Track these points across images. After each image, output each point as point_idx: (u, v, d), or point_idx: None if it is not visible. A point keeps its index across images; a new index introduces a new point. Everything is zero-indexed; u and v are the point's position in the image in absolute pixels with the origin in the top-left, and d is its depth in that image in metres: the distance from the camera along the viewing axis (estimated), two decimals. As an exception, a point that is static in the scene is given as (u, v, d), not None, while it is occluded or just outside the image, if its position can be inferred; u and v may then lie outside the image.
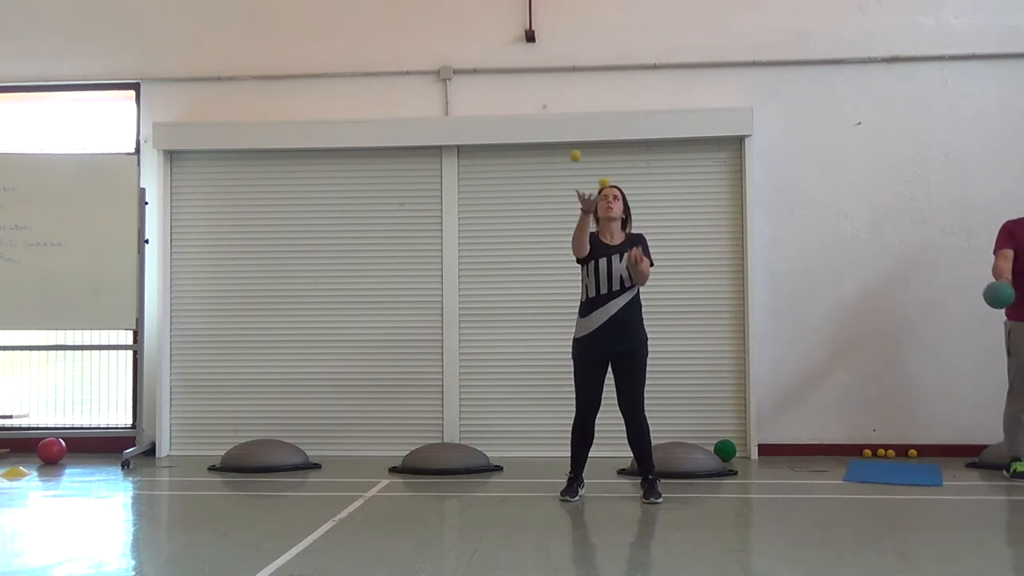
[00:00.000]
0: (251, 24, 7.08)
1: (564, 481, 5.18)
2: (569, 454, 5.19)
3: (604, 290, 5.02)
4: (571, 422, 5.17)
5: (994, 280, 5.47)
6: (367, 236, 6.94)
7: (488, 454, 6.28)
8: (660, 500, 4.98)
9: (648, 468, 5.11)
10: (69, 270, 6.54)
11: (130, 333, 6.92)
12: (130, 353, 7.02)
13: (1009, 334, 5.68)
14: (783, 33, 6.78)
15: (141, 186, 6.79)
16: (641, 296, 5.15)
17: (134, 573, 3.79)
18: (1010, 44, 6.63)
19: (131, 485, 5.81)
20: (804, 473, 5.92)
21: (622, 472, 5.90)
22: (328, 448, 6.69)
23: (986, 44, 6.65)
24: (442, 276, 6.83)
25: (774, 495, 5.41)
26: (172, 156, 7.01)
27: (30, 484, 5.84)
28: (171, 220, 6.98)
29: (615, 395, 5.11)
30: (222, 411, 6.90)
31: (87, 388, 7.18)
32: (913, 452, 6.48)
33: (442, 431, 6.75)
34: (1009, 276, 5.49)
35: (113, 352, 7.13)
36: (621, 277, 5.00)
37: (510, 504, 5.04)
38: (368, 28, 7.01)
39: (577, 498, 5.07)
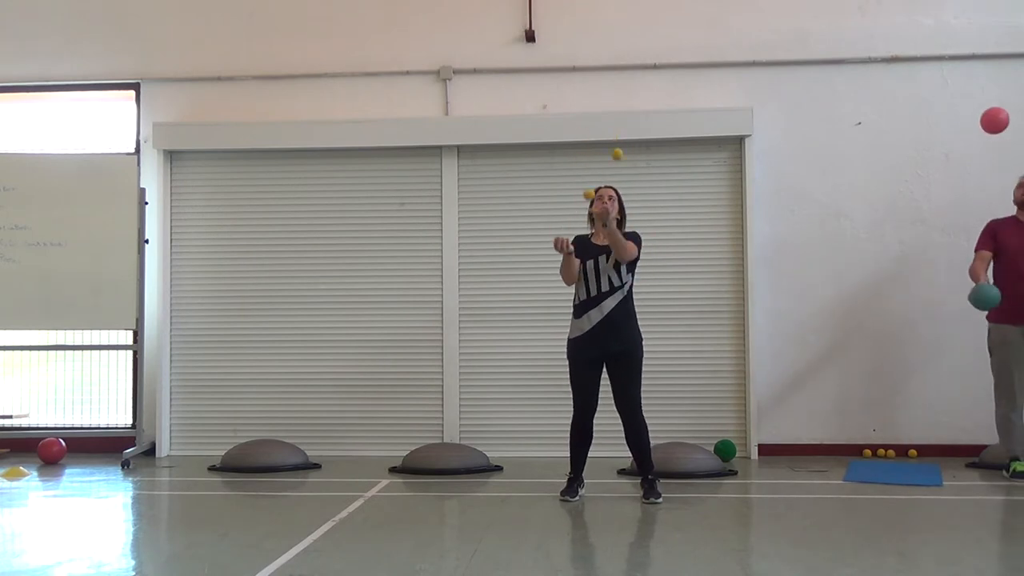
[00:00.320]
0: (251, 24, 7.09)
1: (564, 481, 5.18)
2: (568, 454, 5.19)
3: (594, 291, 5.02)
4: (571, 422, 5.17)
5: (973, 282, 5.55)
6: (367, 236, 6.94)
7: (488, 454, 6.28)
8: (660, 500, 4.98)
9: (647, 468, 5.12)
10: (69, 270, 6.54)
11: (130, 333, 6.92)
12: (130, 353, 7.02)
13: (989, 334, 5.75)
14: (783, 33, 6.78)
15: (141, 186, 6.79)
16: (639, 296, 5.15)
17: (134, 573, 3.79)
18: (1010, 44, 6.63)
19: (131, 485, 5.81)
20: (804, 473, 5.92)
21: (622, 472, 5.90)
22: (328, 448, 6.70)
23: (986, 44, 6.65)
24: (442, 276, 6.83)
25: (774, 495, 5.41)
26: (172, 156, 7.01)
27: (30, 484, 5.84)
28: (171, 220, 6.98)
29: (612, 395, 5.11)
30: (222, 411, 6.90)
31: (87, 388, 7.19)
32: (913, 452, 6.48)
33: (442, 431, 6.75)
34: (984, 278, 5.60)
35: (113, 352, 7.13)
36: (609, 277, 5.00)
37: (510, 504, 5.04)
38: (368, 28, 7.02)
39: (577, 498, 5.07)
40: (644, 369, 5.12)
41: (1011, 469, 5.59)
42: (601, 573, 3.76)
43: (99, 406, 7.17)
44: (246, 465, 6.16)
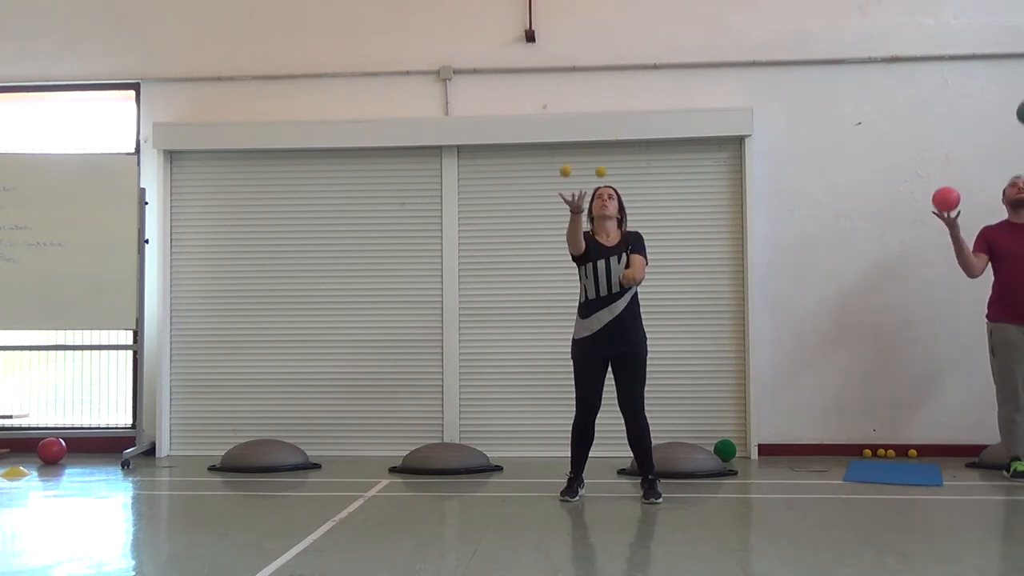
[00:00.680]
0: (251, 24, 7.09)
1: (564, 481, 5.18)
2: (569, 454, 5.20)
3: (604, 292, 5.01)
4: (571, 422, 5.17)
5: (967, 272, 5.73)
6: (367, 236, 6.94)
7: (488, 454, 6.28)
8: (660, 500, 4.98)
9: (648, 468, 5.12)
10: (69, 270, 6.54)
11: (130, 333, 6.92)
12: (130, 353, 7.02)
13: (990, 334, 5.73)
14: (783, 33, 6.78)
15: (141, 186, 6.79)
16: (640, 296, 5.15)
17: (134, 573, 3.79)
18: (1010, 44, 6.63)
19: (131, 485, 5.81)
20: (804, 473, 5.92)
21: (622, 472, 5.90)
22: (328, 448, 6.70)
23: (986, 44, 6.65)
24: (442, 276, 6.83)
25: (774, 495, 5.41)
26: (172, 156, 7.01)
27: (30, 484, 5.84)
28: (171, 220, 6.98)
29: (615, 395, 5.11)
30: (222, 411, 6.90)
31: (87, 388, 7.19)
32: (913, 452, 6.48)
33: (442, 431, 6.75)
34: (979, 270, 5.73)
35: (113, 352, 7.13)
36: (620, 278, 5.00)
37: (510, 504, 5.04)
38: (368, 28, 7.02)
39: (577, 498, 5.07)
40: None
41: (1011, 469, 5.58)
42: (601, 573, 3.76)
43: (99, 406, 7.16)
44: (246, 465, 6.16)
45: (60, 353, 7.20)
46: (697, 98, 6.80)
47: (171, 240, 6.98)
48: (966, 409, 6.43)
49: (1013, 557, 4.04)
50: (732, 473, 5.93)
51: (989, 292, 5.83)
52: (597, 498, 5.15)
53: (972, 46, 6.66)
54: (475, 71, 6.93)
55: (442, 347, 6.80)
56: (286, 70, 7.03)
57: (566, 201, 4.82)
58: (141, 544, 4.36)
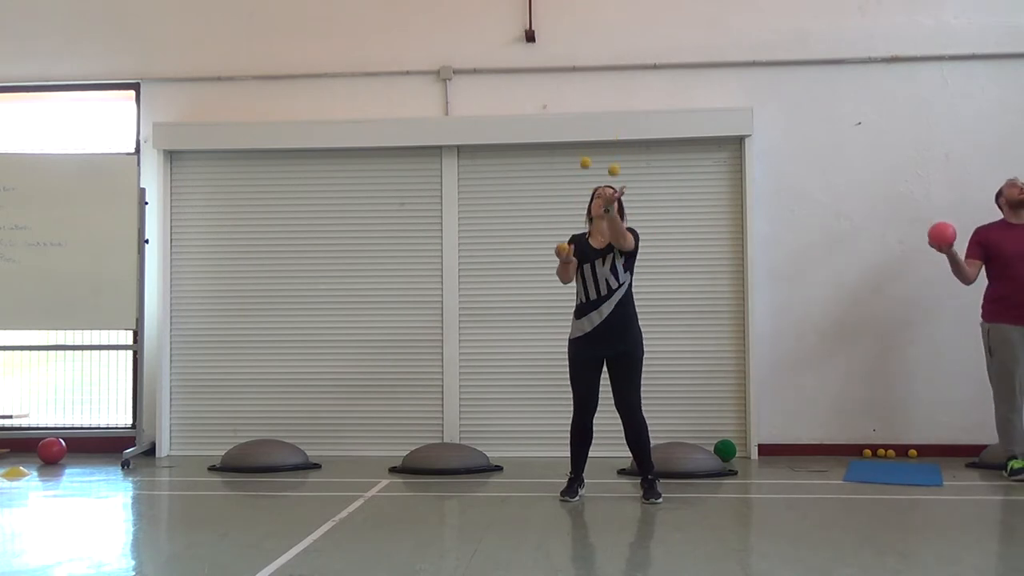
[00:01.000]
0: (251, 24, 7.09)
1: (564, 481, 5.18)
2: (569, 454, 5.19)
3: (594, 295, 5.03)
4: (571, 422, 5.17)
5: (963, 282, 5.71)
6: (367, 236, 6.94)
7: (488, 454, 6.28)
8: (660, 500, 4.98)
9: (647, 468, 5.11)
10: (69, 270, 6.54)
11: (130, 333, 6.92)
12: (130, 353, 7.02)
13: (988, 335, 5.73)
14: (783, 33, 6.78)
15: (141, 186, 6.79)
16: (639, 296, 5.15)
17: (134, 573, 3.80)
18: (1010, 44, 6.63)
19: (131, 485, 5.82)
20: (804, 473, 5.92)
21: (622, 472, 5.90)
22: (328, 448, 6.70)
23: (986, 44, 6.65)
24: (442, 276, 6.83)
25: (774, 495, 5.41)
26: (172, 156, 7.01)
27: (30, 484, 5.84)
28: (171, 220, 6.98)
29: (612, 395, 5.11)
30: (222, 411, 6.90)
31: (87, 388, 7.18)
32: (913, 452, 6.48)
33: (442, 431, 6.75)
34: (974, 277, 5.71)
35: (113, 352, 7.13)
36: (607, 280, 5.01)
37: (510, 504, 5.04)
38: (368, 28, 7.01)
39: (577, 498, 5.07)
40: (644, 369, 5.12)
41: (1009, 468, 5.59)
42: (601, 573, 3.76)
43: (99, 406, 7.16)
44: (246, 465, 6.16)
45: (60, 353, 7.20)
46: (697, 98, 6.80)
47: (171, 240, 6.98)
48: (966, 409, 6.43)
49: (1013, 557, 4.04)
50: (732, 473, 5.93)
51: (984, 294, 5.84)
52: (597, 498, 5.15)
53: (972, 46, 6.66)
54: (475, 71, 6.93)
55: (442, 347, 6.80)
56: (286, 70, 7.03)
57: (557, 253, 4.93)
58: (141, 544, 4.36)
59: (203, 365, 6.95)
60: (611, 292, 5.01)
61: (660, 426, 6.32)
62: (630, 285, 5.10)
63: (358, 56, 7.00)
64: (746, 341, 6.58)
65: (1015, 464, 5.56)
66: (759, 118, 6.64)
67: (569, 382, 5.14)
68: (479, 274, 6.84)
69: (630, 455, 5.32)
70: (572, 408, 5.14)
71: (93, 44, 7.13)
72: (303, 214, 6.98)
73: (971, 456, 6.22)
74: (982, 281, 5.82)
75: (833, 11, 6.76)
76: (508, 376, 6.76)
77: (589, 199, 5.20)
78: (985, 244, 5.74)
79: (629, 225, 5.18)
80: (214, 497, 5.54)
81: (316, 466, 6.29)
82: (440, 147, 6.86)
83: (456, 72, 6.93)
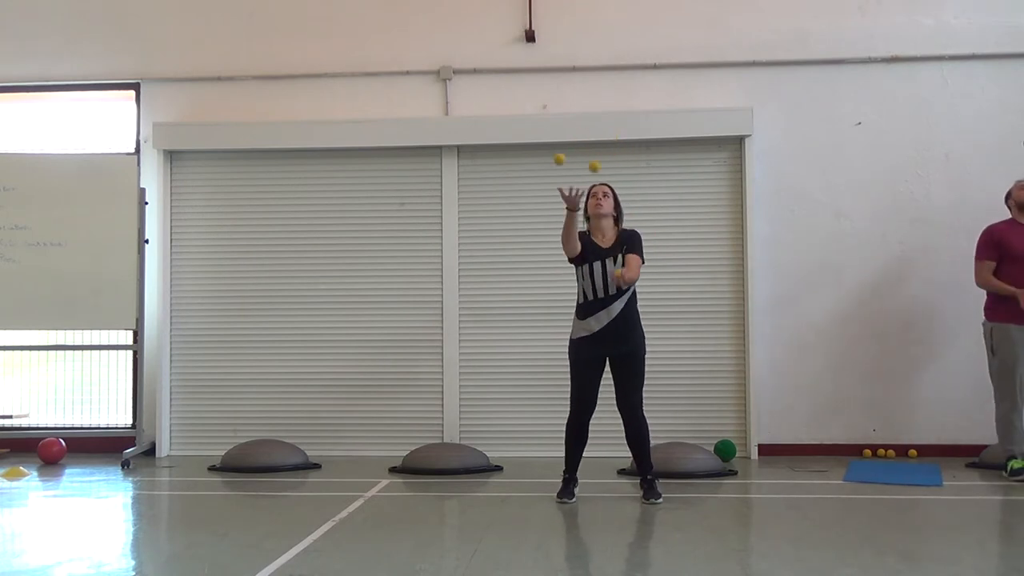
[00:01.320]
0: (251, 24, 7.09)
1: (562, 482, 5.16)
2: (564, 455, 5.16)
3: (601, 294, 5.00)
4: (567, 421, 5.13)
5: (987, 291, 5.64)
6: (367, 236, 6.94)
7: (488, 454, 6.28)
8: (660, 500, 4.98)
9: (647, 468, 5.11)
10: (69, 270, 6.54)
11: (130, 333, 6.92)
12: (130, 353, 7.02)
13: (991, 334, 5.73)
14: (783, 33, 6.78)
15: (141, 186, 6.79)
16: (639, 296, 5.15)
17: (134, 573, 3.80)
18: (1010, 44, 6.63)
19: (131, 485, 5.82)
20: (804, 473, 5.92)
21: (622, 472, 5.90)
22: (328, 448, 6.70)
23: (986, 44, 6.65)
24: (442, 276, 6.83)
25: (774, 495, 5.41)
26: (172, 156, 7.01)
27: (30, 484, 5.84)
28: (171, 220, 6.98)
29: (612, 395, 5.10)
30: (222, 411, 6.90)
31: (87, 388, 7.18)
32: (913, 452, 6.48)
33: (442, 431, 6.75)
34: (997, 285, 5.65)
35: (113, 352, 7.13)
36: (613, 281, 4.98)
37: (510, 504, 5.04)
38: (368, 28, 7.02)
39: (574, 500, 5.06)
40: (645, 369, 5.11)
41: (1009, 468, 5.59)
42: (601, 573, 3.76)
43: (99, 406, 7.16)
44: (246, 465, 6.16)
45: (60, 353, 7.20)
46: (697, 98, 6.80)
47: (171, 240, 6.98)
48: (966, 409, 6.42)
49: (1013, 557, 4.04)
50: (732, 473, 5.93)
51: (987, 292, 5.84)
52: (597, 498, 5.15)
53: (972, 46, 6.66)
54: (475, 71, 6.93)
55: (442, 347, 6.80)
56: (286, 70, 7.03)
57: (564, 196, 4.79)
58: (141, 544, 4.36)
59: (203, 365, 6.95)
60: (620, 292, 4.99)
61: (660, 426, 6.32)
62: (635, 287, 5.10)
63: (358, 56, 7.00)
64: (746, 341, 6.58)
65: (1015, 464, 5.56)
66: (759, 118, 6.64)
67: (569, 381, 5.13)
68: (479, 274, 6.84)
69: (630, 455, 5.31)
70: (569, 407, 5.13)
71: (93, 44, 7.13)
72: (303, 214, 6.98)
73: (971, 456, 6.22)
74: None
75: (833, 11, 6.76)
76: (508, 376, 6.76)
77: (584, 198, 5.18)
78: (999, 244, 5.72)
79: (630, 227, 5.18)
80: (214, 497, 5.54)
81: (316, 466, 6.29)
82: (440, 147, 6.86)
83: (456, 72, 6.93)
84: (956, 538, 4.22)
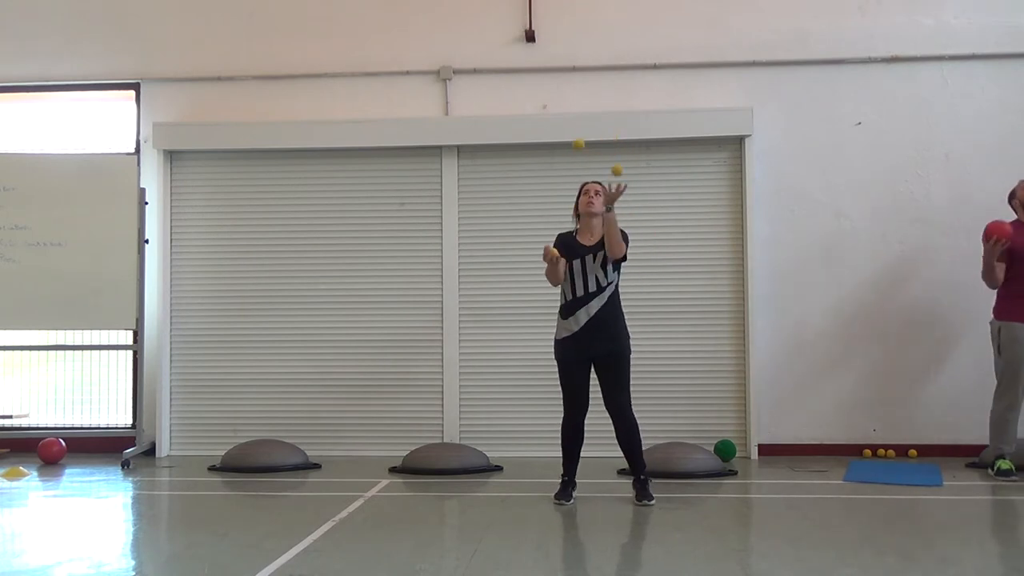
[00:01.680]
0: (251, 24, 7.09)
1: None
2: (561, 456, 5.14)
3: (581, 292, 4.98)
4: (561, 423, 5.12)
5: (989, 284, 5.58)
6: (367, 236, 6.94)
7: (488, 454, 6.28)
8: (652, 502, 4.93)
9: (639, 468, 5.05)
10: (69, 270, 6.54)
11: (130, 333, 6.92)
12: (130, 353, 7.02)
13: (999, 332, 5.73)
14: (783, 33, 6.78)
15: (141, 186, 6.79)
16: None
17: (134, 573, 3.80)
18: (1010, 44, 6.63)
19: (131, 485, 5.82)
20: (804, 473, 5.92)
21: (622, 472, 5.89)
22: (328, 448, 6.70)
23: (986, 44, 6.65)
24: (442, 276, 6.83)
25: (774, 495, 5.41)
26: (172, 156, 7.01)
27: (30, 484, 5.84)
28: (171, 220, 6.98)
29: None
30: (222, 411, 6.91)
31: (87, 388, 7.19)
32: (913, 452, 6.48)
33: (442, 431, 6.75)
34: (1002, 278, 5.63)
35: (113, 352, 7.13)
36: (596, 276, 4.97)
37: (510, 504, 5.04)
38: (368, 28, 7.02)
39: (572, 501, 5.04)
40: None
41: (996, 467, 5.60)
42: (601, 573, 3.76)
43: (99, 406, 7.17)
44: (246, 465, 6.16)
45: (60, 353, 7.20)
46: (697, 98, 6.81)
47: (171, 240, 6.98)
48: (966, 409, 6.42)
49: (1013, 557, 4.04)
50: (732, 473, 5.93)
51: (988, 291, 5.83)
52: (597, 498, 5.15)
53: (972, 46, 6.66)
54: (475, 71, 6.93)
55: (442, 347, 6.80)
56: (286, 70, 7.03)
57: (545, 257, 4.88)
58: (141, 544, 4.36)
59: (203, 365, 6.96)
60: (600, 289, 4.96)
61: (660, 426, 6.34)
62: (617, 284, 5.06)
63: (358, 56, 7.00)
64: (746, 341, 6.58)
65: (1003, 464, 5.58)
66: (759, 118, 6.64)
67: (559, 382, 5.11)
68: (479, 274, 6.84)
69: (631, 455, 5.30)
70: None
71: (93, 44, 7.13)
72: (303, 214, 6.98)
73: (971, 456, 6.21)
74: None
75: (833, 11, 6.77)
76: (508, 376, 6.76)
77: (576, 195, 5.17)
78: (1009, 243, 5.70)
79: (620, 227, 5.16)
80: (214, 497, 5.54)
81: (316, 466, 6.29)
82: (440, 147, 6.86)
83: (456, 72, 6.93)
84: (956, 538, 4.22)
